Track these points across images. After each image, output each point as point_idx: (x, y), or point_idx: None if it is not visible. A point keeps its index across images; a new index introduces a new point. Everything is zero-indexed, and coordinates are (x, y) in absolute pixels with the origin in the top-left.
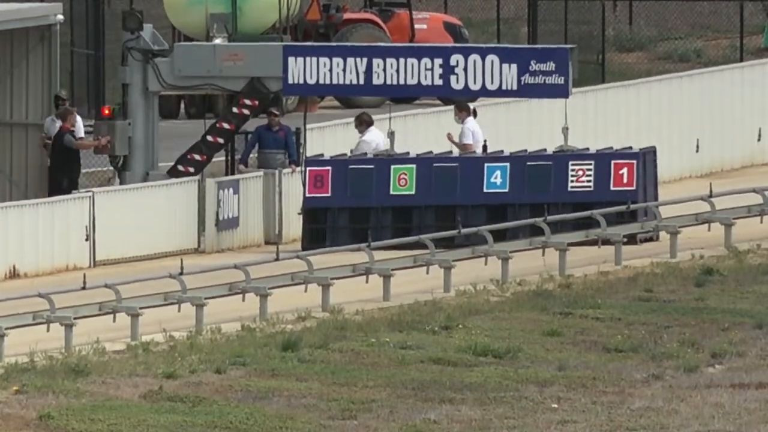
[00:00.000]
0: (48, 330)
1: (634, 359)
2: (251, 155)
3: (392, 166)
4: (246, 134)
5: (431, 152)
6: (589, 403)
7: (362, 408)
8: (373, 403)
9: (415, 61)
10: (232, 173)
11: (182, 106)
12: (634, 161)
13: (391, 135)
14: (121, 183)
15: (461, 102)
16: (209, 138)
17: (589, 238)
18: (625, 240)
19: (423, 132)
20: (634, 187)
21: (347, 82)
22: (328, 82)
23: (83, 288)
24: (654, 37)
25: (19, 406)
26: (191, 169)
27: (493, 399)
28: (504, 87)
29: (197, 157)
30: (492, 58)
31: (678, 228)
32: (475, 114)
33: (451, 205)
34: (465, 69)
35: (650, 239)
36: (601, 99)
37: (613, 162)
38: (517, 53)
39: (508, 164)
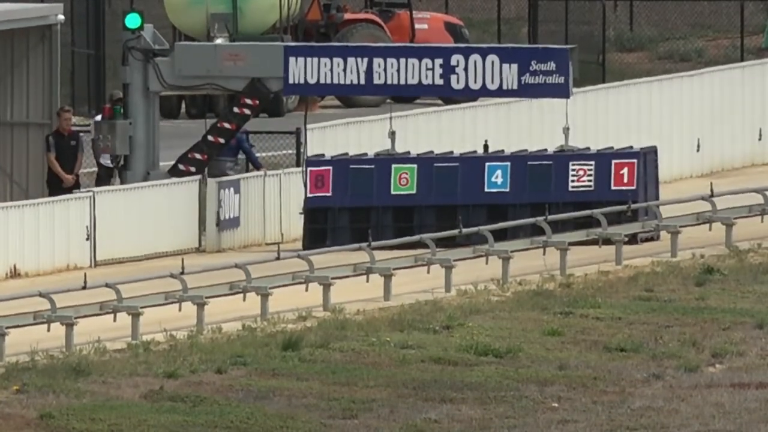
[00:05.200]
0: (49, 329)
1: (635, 359)
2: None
3: (393, 166)
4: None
5: (432, 152)
6: (589, 402)
7: (363, 407)
8: (374, 403)
9: (415, 61)
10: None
11: (183, 105)
12: (635, 161)
13: (391, 135)
14: (121, 182)
15: None
16: (210, 138)
17: (590, 238)
18: (626, 239)
19: (423, 132)
20: (634, 187)
21: (348, 81)
22: (328, 81)
23: (84, 287)
24: (655, 37)
25: (19, 405)
26: (192, 169)
27: (493, 398)
28: (504, 87)
29: (198, 156)
30: (492, 58)
31: (679, 227)
32: None
33: (451, 204)
34: (465, 69)
35: (651, 239)
36: (602, 99)
37: (613, 161)
38: (517, 53)
39: (508, 164)
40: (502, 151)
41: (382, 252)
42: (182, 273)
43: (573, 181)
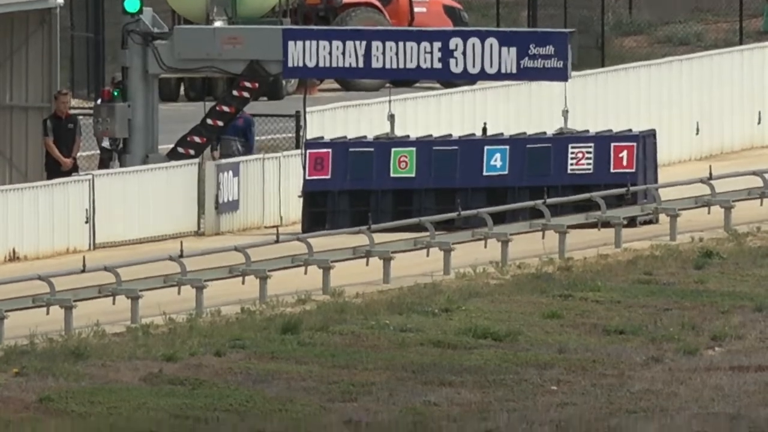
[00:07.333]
0: (48, 313)
1: (634, 342)
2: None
3: (392, 149)
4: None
5: (431, 135)
6: (588, 385)
7: (362, 390)
8: (373, 386)
9: (414, 44)
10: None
11: (182, 89)
12: (634, 144)
13: (391, 118)
14: (120, 166)
15: None
16: (209, 121)
17: (589, 221)
18: (625, 222)
19: (422, 115)
20: (633, 170)
21: (347, 65)
22: (327, 65)
23: (83, 271)
24: (653, 21)
25: (18, 388)
26: (191, 152)
27: (492, 382)
28: (503, 70)
29: (197, 139)
30: (491, 42)
31: (678, 211)
32: None
33: (451, 187)
34: (464, 52)
35: (650, 222)
36: (601, 82)
37: (612, 145)
38: (516, 37)
39: (507, 147)
40: (501, 134)
41: (382, 235)
42: (181, 256)
43: (572, 164)
